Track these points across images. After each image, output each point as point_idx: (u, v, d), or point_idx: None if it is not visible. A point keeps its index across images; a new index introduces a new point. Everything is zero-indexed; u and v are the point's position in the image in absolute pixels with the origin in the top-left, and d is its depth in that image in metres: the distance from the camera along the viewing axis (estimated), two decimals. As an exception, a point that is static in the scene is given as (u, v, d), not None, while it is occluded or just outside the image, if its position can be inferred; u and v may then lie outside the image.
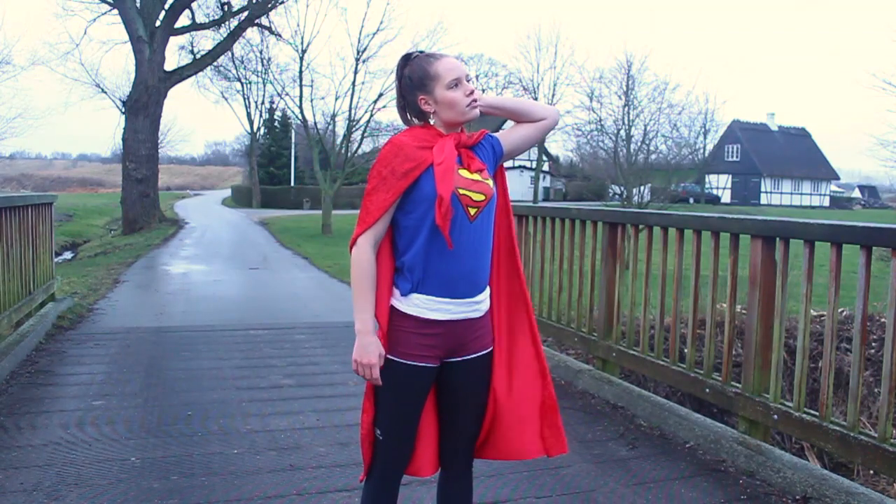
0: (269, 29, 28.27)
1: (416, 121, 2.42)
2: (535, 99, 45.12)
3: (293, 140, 53.80)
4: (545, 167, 57.11)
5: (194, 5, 26.39)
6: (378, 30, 26.34)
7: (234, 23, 26.87)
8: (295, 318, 8.59)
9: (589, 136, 33.31)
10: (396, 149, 2.30)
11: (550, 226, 6.39)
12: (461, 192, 2.28)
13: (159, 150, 29.49)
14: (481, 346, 2.42)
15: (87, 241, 29.74)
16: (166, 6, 24.88)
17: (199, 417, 4.68)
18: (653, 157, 31.05)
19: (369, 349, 2.28)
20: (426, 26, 75.74)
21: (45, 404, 4.91)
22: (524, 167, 61.49)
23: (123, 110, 25.33)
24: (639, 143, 29.83)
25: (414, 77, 2.35)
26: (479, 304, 2.39)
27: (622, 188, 28.60)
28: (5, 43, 71.80)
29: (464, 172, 2.32)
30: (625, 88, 31.20)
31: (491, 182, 2.38)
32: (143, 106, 24.55)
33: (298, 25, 38.17)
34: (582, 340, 5.87)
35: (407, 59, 2.40)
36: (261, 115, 51.85)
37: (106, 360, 6.19)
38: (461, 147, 2.36)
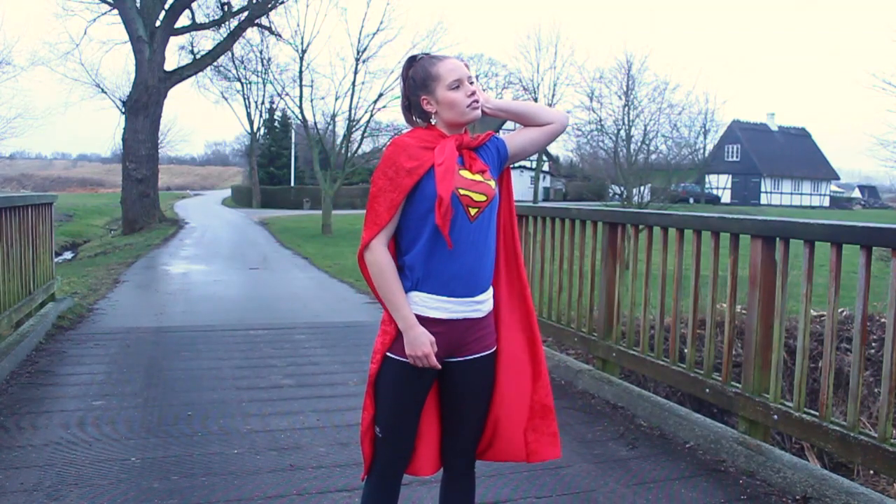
0: (269, 29, 28.27)
1: (419, 121, 2.45)
2: (535, 99, 45.19)
3: (293, 140, 53.82)
4: (545, 167, 57.11)
5: (194, 5, 26.42)
6: (378, 30, 26.36)
7: (234, 23, 26.88)
8: (295, 319, 8.59)
9: (589, 136, 33.30)
10: (400, 149, 2.35)
11: (550, 226, 6.39)
12: (461, 192, 2.32)
13: (159, 150, 29.50)
14: (483, 346, 2.44)
15: (87, 241, 29.74)
16: (166, 6, 24.90)
17: (200, 417, 4.68)
18: (653, 157, 31.06)
19: (420, 340, 2.30)
20: (426, 26, 75.43)
21: (46, 404, 4.91)
22: (524, 167, 61.41)
23: (123, 110, 25.35)
24: (639, 144, 29.84)
25: (417, 78, 2.40)
26: (481, 305, 2.41)
27: (622, 188, 28.62)
28: (5, 43, 71.78)
29: (465, 173, 2.35)
30: (625, 88, 31.22)
31: (493, 183, 2.41)
32: (143, 106, 24.56)
33: (298, 25, 38.21)
34: (582, 340, 5.87)
35: (412, 61, 2.45)
36: (261, 116, 51.87)
37: (106, 360, 6.19)
38: (463, 148, 2.39)
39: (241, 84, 45.17)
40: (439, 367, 2.35)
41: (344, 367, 6.11)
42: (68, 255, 25.74)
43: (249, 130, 50.67)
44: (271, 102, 51.80)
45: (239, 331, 7.66)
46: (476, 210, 2.34)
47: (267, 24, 28.16)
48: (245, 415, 4.77)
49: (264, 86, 43.55)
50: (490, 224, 2.41)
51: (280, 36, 27.96)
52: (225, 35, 27.43)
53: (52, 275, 8.42)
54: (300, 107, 26.96)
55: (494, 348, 2.48)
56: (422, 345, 2.30)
